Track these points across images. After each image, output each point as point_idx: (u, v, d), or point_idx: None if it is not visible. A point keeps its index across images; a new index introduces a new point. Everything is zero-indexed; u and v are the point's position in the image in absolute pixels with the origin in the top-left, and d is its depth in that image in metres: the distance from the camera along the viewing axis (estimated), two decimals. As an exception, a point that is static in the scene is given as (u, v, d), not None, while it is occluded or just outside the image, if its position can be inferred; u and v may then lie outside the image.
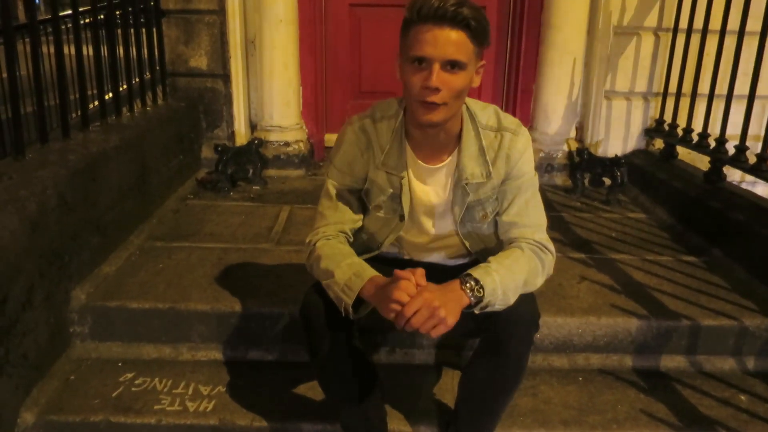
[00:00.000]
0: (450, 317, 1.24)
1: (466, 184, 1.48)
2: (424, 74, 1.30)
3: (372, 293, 1.33)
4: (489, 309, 1.32)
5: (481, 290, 1.30)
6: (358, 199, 1.56)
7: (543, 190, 3.12)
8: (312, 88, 3.43)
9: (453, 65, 1.30)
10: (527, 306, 1.41)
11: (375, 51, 3.42)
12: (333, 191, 1.54)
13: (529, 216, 1.50)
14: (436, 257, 1.64)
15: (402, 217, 1.53)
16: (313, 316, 1.44)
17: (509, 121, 1.50)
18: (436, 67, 1.29)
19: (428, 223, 1.56)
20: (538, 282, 1.45)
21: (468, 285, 1.30)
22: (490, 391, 1.50)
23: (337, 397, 1.58)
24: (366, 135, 1.50)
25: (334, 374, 1.51)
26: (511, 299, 1.35)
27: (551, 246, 1.48)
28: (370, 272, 1.37)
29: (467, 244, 1.57)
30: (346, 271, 1.38)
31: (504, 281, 1.33)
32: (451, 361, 1.97)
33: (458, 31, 1.29)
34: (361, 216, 1.57)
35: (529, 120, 3.43)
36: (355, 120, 1.53)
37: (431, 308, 1.23)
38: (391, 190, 1.51)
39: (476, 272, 1.33)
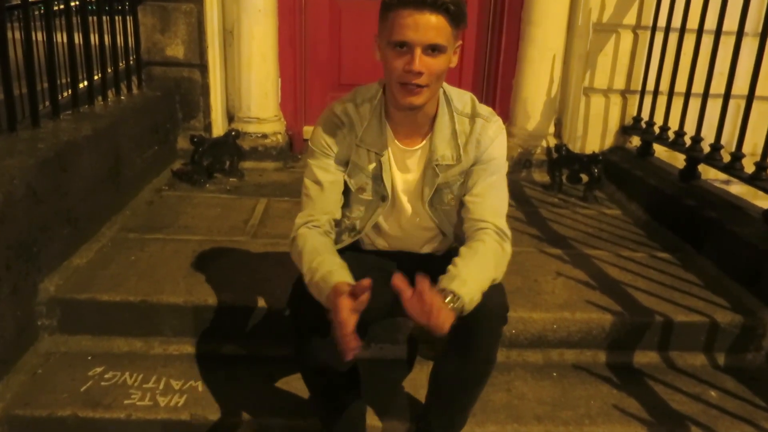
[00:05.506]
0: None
1: (437, 165, 1.50)
2: (406, 58, 1.33)
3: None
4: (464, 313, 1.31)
5: (460, 303, 1.27)
6: (342, 182, 1.54)
7: (521, 186, 3.19)
8: (291, 80, 3.40)
9: (434, 49, 1.33)
10: (496, 299, 1.41)
11: (355, 43, 3.40)
12: (317, 175, 1.52)
13: (491, 198, 1.50)
14: (411, 244, 1.64)
15: (384, 197, 1.54)
16: (303, 308, 1.41)
17: (483, 108, 1.53)
18: (418, 51, 1.32)
19: (405, 206, 1.57)
20: (503, 272, 1.44)
21: (450, 299, 1.27)
22: (460, 384, 1.51)
23: (321, 392, 1.56)
24: (348, 118, 1.51)
25: (319, 369, 1.48)
26: (480, 298, 1.33)
27: (509, 232, 1.48)
28: (336, 277, 1.31)
29: (438, 224, 1.58)
30: (316, 273, 1.34)
31: (478, 285, 1.32)
32: (424, 356, 1.96)
33: (438, 16, 1.31)
34: (343, 200, 1.56)
35: (508, 116, 3.43)
36: (336, 104, 1.53)
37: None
38: (371, 169, 1.51)
39: (453, 285, 1.29)
